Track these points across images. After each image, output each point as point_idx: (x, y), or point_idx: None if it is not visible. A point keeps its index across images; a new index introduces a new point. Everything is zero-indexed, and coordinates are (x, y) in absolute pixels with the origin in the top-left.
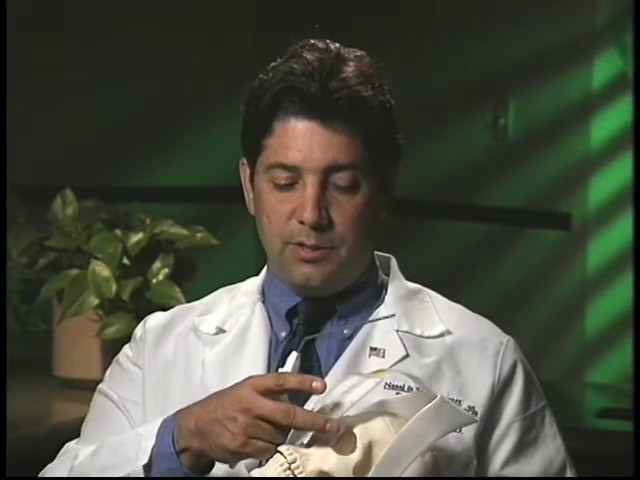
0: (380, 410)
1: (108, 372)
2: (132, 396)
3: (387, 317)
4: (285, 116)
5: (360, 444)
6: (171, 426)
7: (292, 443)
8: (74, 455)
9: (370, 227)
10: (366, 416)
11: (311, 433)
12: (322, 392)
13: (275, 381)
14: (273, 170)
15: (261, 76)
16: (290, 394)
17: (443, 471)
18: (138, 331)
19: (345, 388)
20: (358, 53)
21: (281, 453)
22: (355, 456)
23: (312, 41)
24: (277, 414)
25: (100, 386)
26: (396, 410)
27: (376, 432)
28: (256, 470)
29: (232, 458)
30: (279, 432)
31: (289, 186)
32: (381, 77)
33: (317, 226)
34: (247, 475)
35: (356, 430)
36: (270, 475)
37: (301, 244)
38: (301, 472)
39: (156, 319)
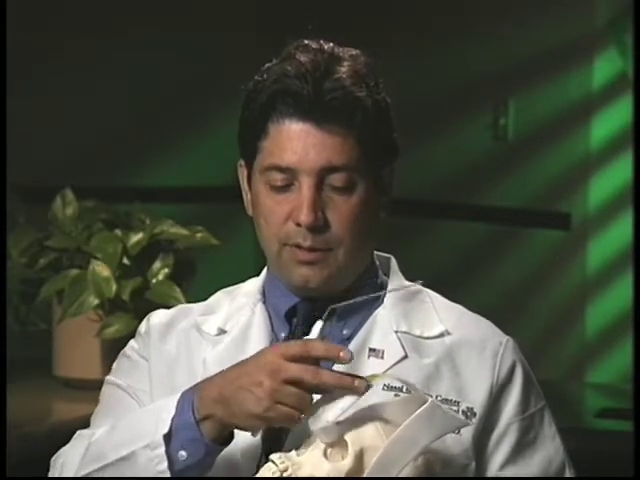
0: (372, 416)
1: (115, 364)
2: (141, 385)
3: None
4: (279, 118)
5: (352, 451)
6: (191, 397)
7: (285, 451)
8: (90, 434)
9: (367, 227)
10: (357, 422)
11: (305, 439)
12: (349, 362)
13: (302, 347)
14: (269, 172)
15: (256, 78)
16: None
17: (437, 475)
18: (142, 326)
19: (336, 395)
20: (353, 52)
21: (273, 462)
22: (347, 463)
23: (306, 42)
24: (305, 374)
25: (108, 377)
26: (388, 415)
27: (367, 439)
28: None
29: (256, 424)
30: (304, 398)
31: (285, 188)
32: (376, 76)
33: (313, 228)
34: None
35: (347, 437)
36: None
37: (298, 246)
38: None
39: (159, 316)
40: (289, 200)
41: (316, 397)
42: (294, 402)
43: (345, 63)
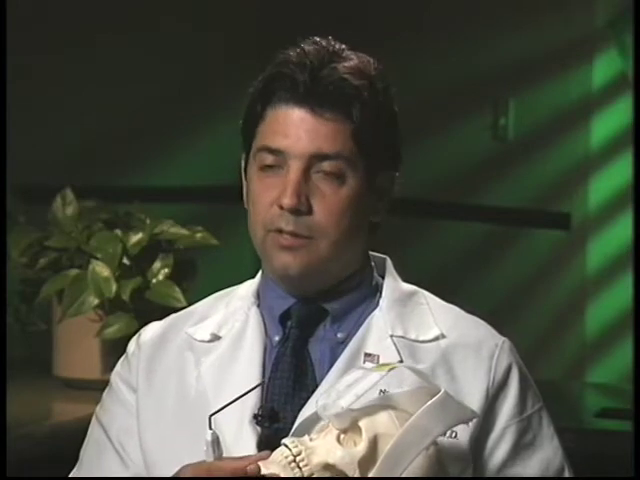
0: (385, 404)
1: (105, 395)
2: (126, 425)
3: None
4: (276, 103)
5: (365, 437)
6: None
7: (303, 429)
8: None
9: (355, 224)
10: (371, 410)
11: (317, 426)
12: (257, 473)
13: (208, 474)
14: (260, 153)
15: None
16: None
17: (446, 465)
18: (131, 346)
19: (350, 381)
20: (365, 59)
21: (286, 446)
22: (360, 449)
23: (317, 38)
24: None
25: (97, 411)
26: (401, 404)
27: (381, 426)
28: (260, 463)
29: None
30: None
31: (274, 170)
32: (386, 81)
33: (295, 211)
34: None
35: (361, 424)
36: (274, 467)
37: (280, 230)
38: (306, 465)
39: (150, 332)
40: (277, 185)
41: (330, 378)
42: None
43: (350, 60)
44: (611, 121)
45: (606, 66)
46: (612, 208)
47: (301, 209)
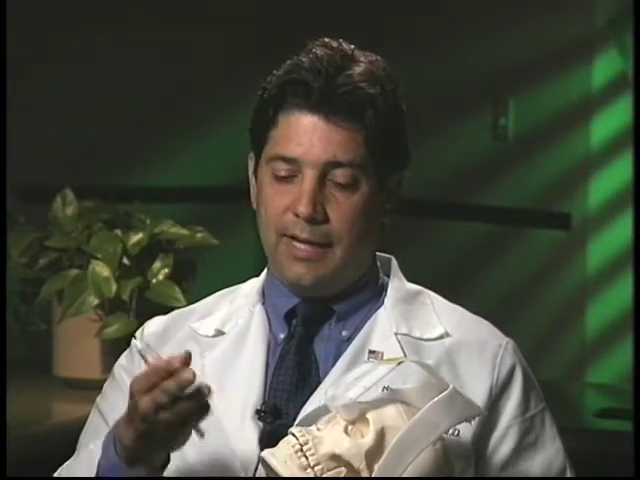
0: (393, 398)
1: (106, 385)
2: None
3: None
4: (289, 109)
5: (373, 429)
6: (112, 440)
7: (305, 426)
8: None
9: (367, 229)
10: (379, 403)
11: (325, 417)
12: (187, 360)
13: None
14: (274, 162)
15: (274, 72)
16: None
17: (452, 461)
18: (135, 339)
19: (358, 374)
20: (373, 58)
21: (293, 435)
22: (368, 441)
23: (326, 40)
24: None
25: (98, 401)
26: (408, 399)
27: (389, 419)
28: (267, 450)
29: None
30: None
31: (288, 179)
32: (395, 82)
33: (311, 220)
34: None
35: (369, 416)
36: (281, 455)
37: (295, 237)
38: (313, 454)
39: (154, 326)
40: (291, 192)
41: (334, 374)
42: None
43: (362, 64)
44: (611, 121)
45: (606, 66)
46: (612, 208)
47: (317, 217)
